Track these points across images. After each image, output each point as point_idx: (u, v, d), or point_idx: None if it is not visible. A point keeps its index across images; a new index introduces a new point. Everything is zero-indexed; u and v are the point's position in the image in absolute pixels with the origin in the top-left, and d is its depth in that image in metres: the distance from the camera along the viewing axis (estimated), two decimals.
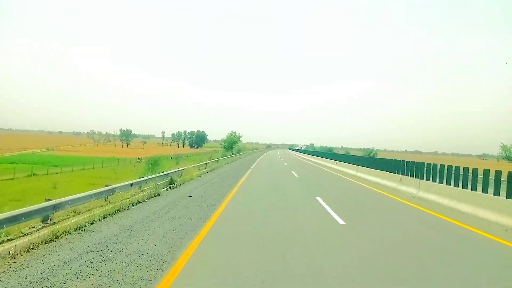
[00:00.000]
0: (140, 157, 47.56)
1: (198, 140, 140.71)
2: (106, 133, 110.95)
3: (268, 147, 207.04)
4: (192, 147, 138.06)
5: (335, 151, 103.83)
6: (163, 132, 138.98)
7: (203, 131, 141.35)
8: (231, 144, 41.71)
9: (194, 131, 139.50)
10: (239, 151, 71.25)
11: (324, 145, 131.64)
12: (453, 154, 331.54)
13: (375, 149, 62.42)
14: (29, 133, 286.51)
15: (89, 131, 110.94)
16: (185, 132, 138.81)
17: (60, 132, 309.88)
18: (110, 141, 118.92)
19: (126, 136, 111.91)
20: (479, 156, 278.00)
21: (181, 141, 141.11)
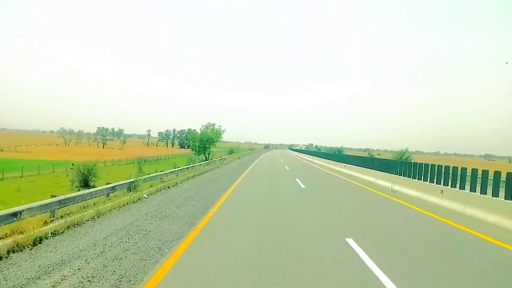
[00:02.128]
0: (74, 163, 31.55)
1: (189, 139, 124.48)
2: (79, 130, 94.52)
3: (267, 147, 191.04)
4: (182, 147, 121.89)
5: (343, 152, 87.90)
6: (149, 131, 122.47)
7: (194, 130, 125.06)
8: (204, 144, 27.57)
9: (185, 130, 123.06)
10: (231, 151, 55.59)
11: (327, 146, 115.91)
12: (455, 154, 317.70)
13: (407, 150, 46.38)
14: (21, 132, 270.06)
15: (59, 128, 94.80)
16: (174, 130, 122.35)
17: (52, 131, 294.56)
18: (95, 140, 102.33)
19: (103, 134, 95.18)
20: (483, 157, 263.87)
21: (169, 140, 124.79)
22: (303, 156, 49.71)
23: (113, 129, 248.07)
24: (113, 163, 54.71)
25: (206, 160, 24.04)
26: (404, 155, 44.94)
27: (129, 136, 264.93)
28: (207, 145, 24.74)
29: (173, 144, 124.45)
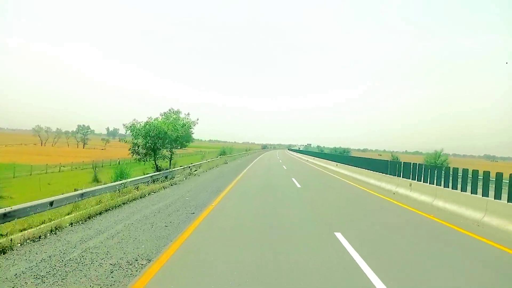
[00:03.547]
0: None
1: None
2: (57, 129, 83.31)
3: (265, 147, 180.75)
4: None
5: (350, 153, 77.77)
6: None
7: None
8: (154, 143, 13.48)
9: None
10: (223, 152, 46.10)
11: (330, 146, 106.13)
12: (454, 155, 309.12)
13: (442, 151, 36.13)
14: (16, 132, 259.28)
15: (35, 126, 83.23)
16: None
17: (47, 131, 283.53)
18: (82, 139, 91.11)
19: (83, 133, 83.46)
20: (482, 157, 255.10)
21: None
22: (308, 159, 39.43)
23: (107, 128, 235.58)
24: (76, 166, 44.24)
25: (158, 170, 13.64)
26: (438, 158, 34.79)
27: (124, 135, 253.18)
28: (162, 145, 14.11)
29: None
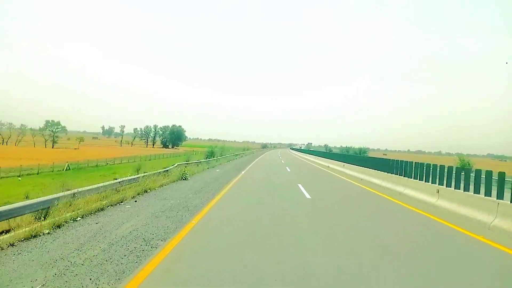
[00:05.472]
0: None
1: (173, 137, 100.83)
2: (22, 125, 69.77)
3: (265, 146, 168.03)
4: (165, 146, 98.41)
5: (367, 154, 64.67)
6: (123, 127, 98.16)
7: (179, 126, 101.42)
8: None
9: (168, 126, 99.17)
10: (211, 154, 35.01)
11: (341, 146, 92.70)
12: (458, 154, 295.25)
13: None
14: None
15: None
16: (155, 127, 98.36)
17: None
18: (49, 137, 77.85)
19: (53, 130, 68.70)
20: (485, 157, 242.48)
21: (150, 138, 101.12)
22: (329, 165, 26.12)
23: (103, 127, 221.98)
24: (17, 173, 30.61)
25: None
26: None
27: (119, 134, 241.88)
28: None
29: (154, 143, 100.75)
